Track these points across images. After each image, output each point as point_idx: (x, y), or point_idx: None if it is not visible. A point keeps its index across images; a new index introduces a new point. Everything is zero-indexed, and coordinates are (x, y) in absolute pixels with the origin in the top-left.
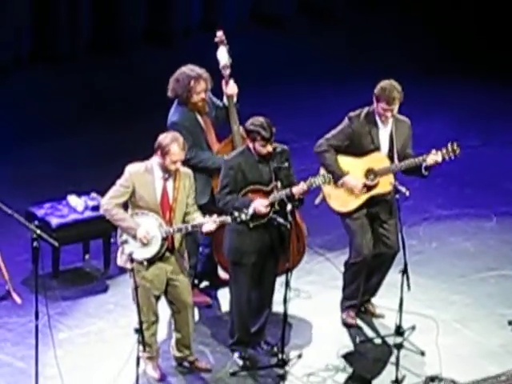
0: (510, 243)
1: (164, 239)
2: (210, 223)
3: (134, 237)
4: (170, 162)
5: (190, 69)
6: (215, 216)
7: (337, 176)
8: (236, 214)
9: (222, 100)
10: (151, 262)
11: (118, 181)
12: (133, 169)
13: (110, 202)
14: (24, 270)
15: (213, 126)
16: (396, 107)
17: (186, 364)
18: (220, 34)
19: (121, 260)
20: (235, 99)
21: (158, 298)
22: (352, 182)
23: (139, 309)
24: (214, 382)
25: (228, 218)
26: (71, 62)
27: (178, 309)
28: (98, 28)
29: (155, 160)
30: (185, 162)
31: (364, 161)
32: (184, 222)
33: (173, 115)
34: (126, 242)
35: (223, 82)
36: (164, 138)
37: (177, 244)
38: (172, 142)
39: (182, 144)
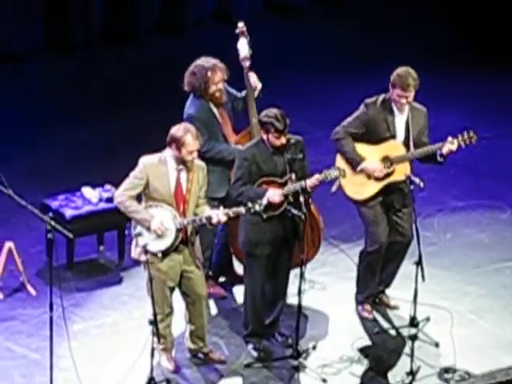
0: None
1: (178, 231)
2: (221, 215)
3: (148, 229)
4: (186, 153)
5: (204, 60)
6: (221, 208)
7: (355, 162)
8: (250, 204)
9: (240, 91)
10: (166, 253)
11: (131, 173)
12: (147, 160)
13: (123, 194)
14: (38, 262)
15: (229, 118)
16: (411, 94)
17: (200, 356)
18: (241, 25)
19: (135, 252)
20: (256, 94)
21: (172, 289)
22: (371, 165)
23: (154, 301)
24: (228, 374)
25: (242, 209)
26: (84, 51)
27: (192, 300)
28: (111, 18)
29: (169, 152)
30: (201, 155)
31: (380, 148)
32: (194, 214)
33: (189, 108)
34: (140, 234)
35: (245, 74)
36: (177, 131)
37: (190, 235)
38: (185, 133)
39: (195, 134)
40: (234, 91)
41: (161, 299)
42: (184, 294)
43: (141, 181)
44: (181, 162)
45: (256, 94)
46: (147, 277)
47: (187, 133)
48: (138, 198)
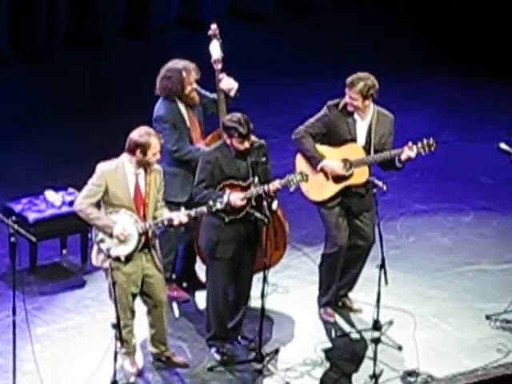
0: (488, 238)
1: (140, 235)
2: (182, 216)
3: (111, 235)
4: (151, 156)
5: (175, 63)
6: (183, 209)
7: (316, 161)
8: (211, 203)
9: (212, 93)
10: (128, 258)
11: (89, 180)
12: (104, 167)
13: (83, 202)
14: (1, 266)
15: (199, 122)
16: (356, 97)
17: (162, 359)
18: (214, 27)
19: (96, 260)
20: (233, 93)
21: (134, 295)
22: (331, 163)
23: (116, 305)
24: (191, 377)
25: (204, 208)
26: (48, 56)
27: (153, 304)
28: (76, 22)
29: (126, 157)
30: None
31: (340, 150)
32: (154, 217)
33: (158, 110)
34: (102, 240)
35: (216, 76)
36: (140, 136)
37: (151, 240)
38: (149, 136)
39: (156, 134)
40: (207, 93)
41: (123, 304)
42: (145, 299)
43: (99, 187)
44: (141, 165)
45: (233, 93)
46: (110, 282)
47: (151, 135)
48: (98, 205)
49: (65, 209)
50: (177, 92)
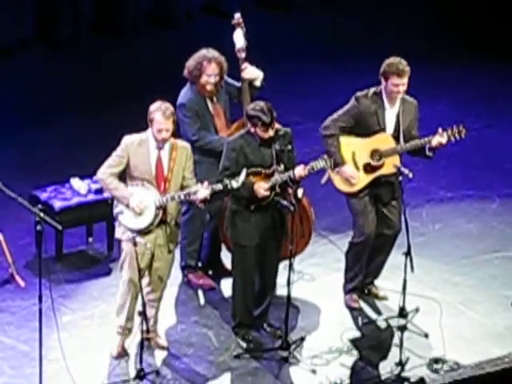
0: None
1: (158, 208)
2: (202, 191)
3: (127, 206)
4: (155, 131)
5: (207, 51)
6: (206, 183)
7: (336, 164)
8: (227, 181)
9: (239, 82)
10: (144, 232)
11: (113, 152)
12: (128, 140)
13: (105, 172)
14: (27, 254)
15: (224, 111)
16: (406, 81)
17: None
18: (238, 16)
19: (117, 232)
20: (258, 83)
21: (143, 270)
22: (348, 171)
23: (142, 289)
24: (217, 365)
25: (219, 185)
26: (74, 45)
27: (153, 282)
28: (101, 11)
29: (150, 131)
30: (192, 144)
31: (370, 141)
32: None
33: (182, 97)
34: (121, 212)
35: (240, 65)
36: (151, 107)
37: (169, 217)
38: (156, 110)
39: (166, 113)
40: (233, 81)
41: (132, 281)
42: (149, 275)
43: (122, 159)
44: (155, 139)
45: (258, 83)
46: (123, 257)
47: (157, 110)
48: (122, 179)
49: (91, 197)
50: (194, 76)
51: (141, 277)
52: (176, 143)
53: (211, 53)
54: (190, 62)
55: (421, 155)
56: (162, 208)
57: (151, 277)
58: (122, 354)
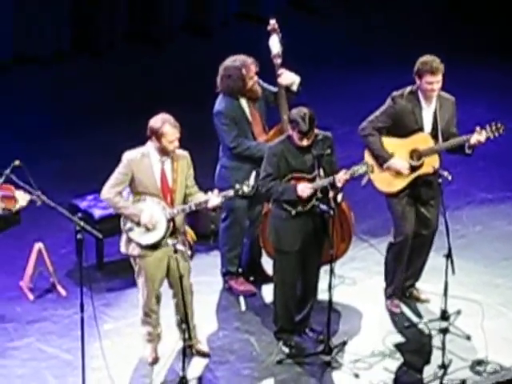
0: None
1: (169, 221)
2: (213, 199)
3: (138, 223)
4: (167, 143)
5: (232, 60)
6: (216, 191)
7: (383, 159)
8: (238, 186)
9: (275, 87)
10: (157, 245)
11: (116, 169)
12: (130, 155)
13: (110, 191)
14: (68, 263)
15: (260, 117)
16: (440, 79)
17: (187, 345)
18: (273, 22)
19: (126, 248)
20: (295, 88)
21: (161, 281)
22: (398, 163)
23: (184, 298)
24: (260, 371)
25: (231, 192)
26: (110, 53)
27: (177, 291)
28: (136, 20)
29: (151, 145)
30: (230, 151)
31: (408, 141)
32: (187, 203)
33: (218, 105)
34: (131, 229)
35: (276, 71)
36: (155, 122)
37: (178, 226)
38: (163, 123)
39: (173, 123)
40: (269, 86)
41: (150, 291)
42: (170, 284)
43: (126, 176)
44: (163, 152)
45: (295, 87)
46: (138, 271)
47: (165, 123)
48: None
49: None
50: (239, 89)
51: (160, 284)
52: (176, 154)
53: (237, 59)
54: (229, 81)
55: (460, 153)
56: (172, 220)
57: (176, 285)
58: (157, 359)
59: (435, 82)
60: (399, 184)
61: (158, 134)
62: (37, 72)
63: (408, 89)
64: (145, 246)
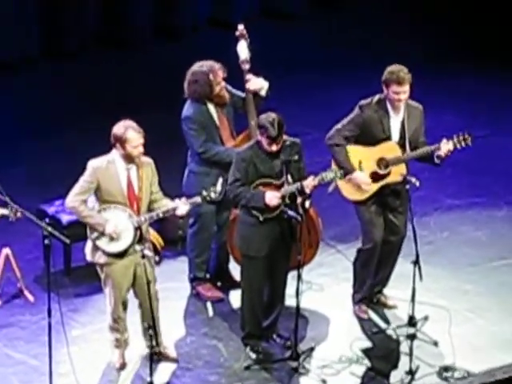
0: None
1: (136, 229)
2: (181, 207)
3: (103, 233)
4: (131, 149)
5: (199, 65)
6: (183, 199)
7: (346, 171)
8: (205, 192)
9: (243, 92)
10: (124, 253)
11: (81, 177)
12: (95, 163)
13: (75, 200)
14: (36, 268)
15: (228, 122)
16: (407, 89)
17: (156, 352)
18: (241, 27)
19: (92, 256)
20: (263, 93)
21: (127, 289)
22: (360, 178)
23: (151, 304)
24: (227, 376)
25: (198, 198)
26: (80, 56)
27: (144, 299)
28: (105, 23)
29: (115, 152)
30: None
31: (375, 150)
32: (152, 210)
33: (186, 110)
34: (98, 237)
35: (244, 76)
36: (118, 129)
37: (144, 233)
38: (126, 129)
39: (137, 128)
40: (237, 92)
41: (117, 298)
42: (136, 293)
43: (91, 184)
44: (129, 159)
45: (263, 93)
46: (104, 279)
47: (128, 128)
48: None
49: None
50: (206, 94)
51: (126, 291)
52: (141, 161)
53: (204, 65)
54: (195, 86)
55: (429, 162)
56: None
57: (143, 293)
58: (124, 365)
59: (402, 92)
60: (366, 192)
61: (121, 141)
62: (6, 77)
63: (376, 97)
64: (112, 253)
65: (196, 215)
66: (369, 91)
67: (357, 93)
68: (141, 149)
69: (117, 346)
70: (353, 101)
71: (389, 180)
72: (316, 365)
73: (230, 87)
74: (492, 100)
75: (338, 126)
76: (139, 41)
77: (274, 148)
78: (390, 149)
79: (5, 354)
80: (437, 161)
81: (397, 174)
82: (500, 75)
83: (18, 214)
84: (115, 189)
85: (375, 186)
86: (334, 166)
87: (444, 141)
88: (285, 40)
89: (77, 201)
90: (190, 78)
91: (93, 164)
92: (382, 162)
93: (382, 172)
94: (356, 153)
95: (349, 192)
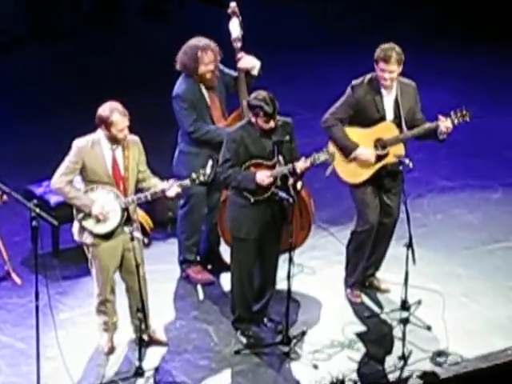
0: None
1: (123, 210)
2: (172, 188)
3: (90, 214)
4: (117, 132)
5: (197, 40)
6: (171, 180)
7: (349, 149)
8: (194, 175)
9: (236, 71)
10: (111, 234)
11: (66, 157)
12: (80, 143)
13: (61, 181)
14: (23, 250)
15: (220, 102)
16: (395, 68)
17: (144, 336)
18: (233, 5)
19: (80, 236)
20: (255, 72)
21: (114, 269)
22: (365, 153)
23: (141, 287)
24: (218, 361)
25: (187, 181)
26: (70, 37)
27: (132, 280)
28: (97, 4)
29: (101, 132)
30: (189, 135)
31: (372, 131)
32: (140, 189)
33: (178, 87)
34: (84, 218)
35: (236, 55)
36: (103, 111)
37: (131, 214)
38: (112, 111)
39: (122, 111)
40: (230, 71)
41: (104, 279)
42: (123, 275)
43: (76, 165)
44: (114, 141)
45: (255, 72)
46: (91, 259)
47: (113, 111)
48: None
49: None
50: (191, 69)
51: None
52: (127, 140)
53: (202, 41)
54: (183, 56)
55: (432, 139)
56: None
57: (131, 274)
58: (113, 349)
59: (387, 70)
60: (364, 174)
61: (107, 123)
62: None
63: (368, 76)
64: (99, 234)
65: (187, 196)
66: (361, 70)
67: (347, 72)
68: (126, 132)
69: (105, 330)
70: (345, 80)
71: (387, 161)
72: (307, 349)
73: (222, 66)
74: (486, 81)
75: (332, 108)
76: (129, 21)
77: (273, 124)
78: (386, 129)
79: None
80: (441, 137)
81: (395, 154)
82: (497, 53)
83: (5, 197)
84: (100, 169)
85: (373, 168)
86: (329, 147)
87: (441, 118)
88: (276, 17)
89: (62, 182)
90: (184, 48)
91: (78, 143)
92: (380, 143)
93: (379, 153)
94: (352, 135)
95: (347, 175)
